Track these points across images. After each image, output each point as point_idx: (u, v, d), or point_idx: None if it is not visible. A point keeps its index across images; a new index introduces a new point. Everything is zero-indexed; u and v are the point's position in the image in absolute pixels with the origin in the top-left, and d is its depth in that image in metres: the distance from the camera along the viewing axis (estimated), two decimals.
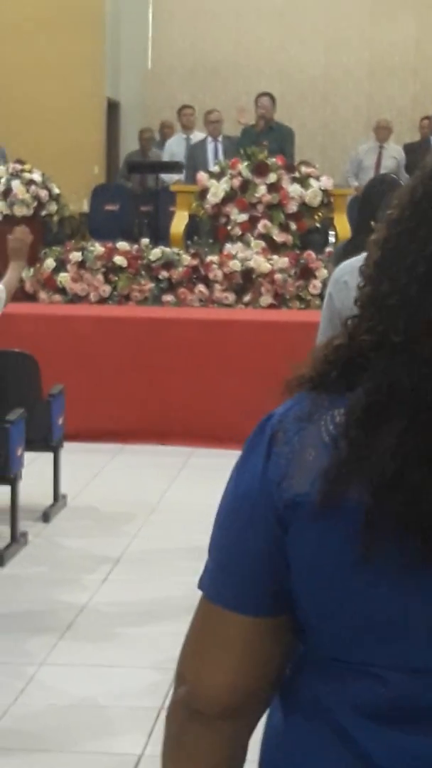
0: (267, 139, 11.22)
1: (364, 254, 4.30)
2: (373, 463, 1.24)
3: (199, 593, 1.39)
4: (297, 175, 9.64)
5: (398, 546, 1.25)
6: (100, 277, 9.14)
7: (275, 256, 9.13)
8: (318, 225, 9.98)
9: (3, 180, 9.45)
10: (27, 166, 9.68)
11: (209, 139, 12.51)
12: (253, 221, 9.47)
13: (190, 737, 1.38)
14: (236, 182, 9.55)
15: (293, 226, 9.49)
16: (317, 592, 1.31)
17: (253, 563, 1.33)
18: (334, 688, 1.33)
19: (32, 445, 6.19)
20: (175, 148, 13.55)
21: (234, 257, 9.08)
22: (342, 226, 9.75)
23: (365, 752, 1.30)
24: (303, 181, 9.60)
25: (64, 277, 9.17)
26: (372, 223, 4.25)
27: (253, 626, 1.34)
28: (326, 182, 9.64)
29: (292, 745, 1.37)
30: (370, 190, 4.68)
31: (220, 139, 12.44)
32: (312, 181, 9.60)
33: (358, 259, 4.48)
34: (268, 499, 1.31)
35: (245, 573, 1.34)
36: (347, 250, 4.44)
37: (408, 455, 1.23)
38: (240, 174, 9.57)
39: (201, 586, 1.39)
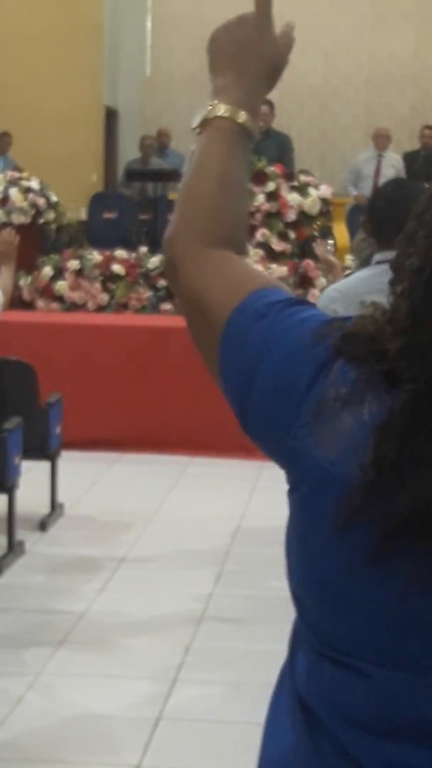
0: (265, 147, 11.21)
1: (354, 278, 4.25)
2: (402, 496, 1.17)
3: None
4: (296, 183, 9.63)
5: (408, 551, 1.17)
6: (97, 285, 9.13)
7: (274, 265, 9.12)
8: (316, 234, 9.97)
9: (1, 188, 9.44)
10: (25, 174, 9.67)
11: None
12: (251, 230, 9.46)
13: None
14: None
15: (292, 234, 9.48)
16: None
17: None
18: (318, 682, 1.27)
19: (29, 454, 6.18)
20: None
21: None
22: (340, 235, 9.74)
23: (358, 763, 1.24)
24: (302, 189, 9.59)
25: (61, 286, 9.16)
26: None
27: None
28: (325, 191, 9.64)
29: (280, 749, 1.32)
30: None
31: None
32: (311, 190, 9.59)
33: (347, 286, 4.43)
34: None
35: None
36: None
37: None
38: None
39: None
